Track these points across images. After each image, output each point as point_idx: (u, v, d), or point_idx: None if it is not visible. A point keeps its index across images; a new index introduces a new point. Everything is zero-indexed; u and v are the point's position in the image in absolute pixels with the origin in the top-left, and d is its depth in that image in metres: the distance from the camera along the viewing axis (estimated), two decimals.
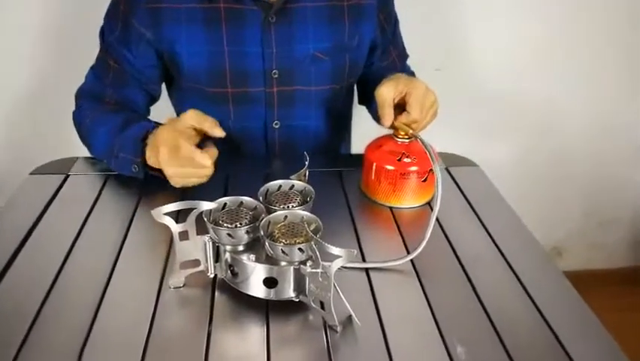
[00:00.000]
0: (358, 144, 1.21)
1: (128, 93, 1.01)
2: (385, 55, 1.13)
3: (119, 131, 0.91)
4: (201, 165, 0.81)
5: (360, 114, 1.22)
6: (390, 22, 1.10)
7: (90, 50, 1.04)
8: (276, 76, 1.00)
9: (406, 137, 0.88)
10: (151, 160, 0.87)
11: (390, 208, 0.89)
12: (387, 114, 0.87)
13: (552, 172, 1.81)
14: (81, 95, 1.04)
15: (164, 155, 0.82)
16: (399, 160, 0.86)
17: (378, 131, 0.93)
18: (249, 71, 0.99)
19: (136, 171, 0.89)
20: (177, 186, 0.85)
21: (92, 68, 1.04)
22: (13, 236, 0.78)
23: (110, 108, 1.00)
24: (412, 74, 1.16)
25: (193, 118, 0.84)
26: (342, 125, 1.19)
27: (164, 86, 1.10)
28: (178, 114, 1.15)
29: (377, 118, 1.08)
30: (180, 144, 0.81)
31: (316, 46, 0.99)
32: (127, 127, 0.91)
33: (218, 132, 0.85)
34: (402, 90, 0.87)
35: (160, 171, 0.85)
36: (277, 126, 1.05)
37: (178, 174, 0.84)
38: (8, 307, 0.66)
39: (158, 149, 0.83)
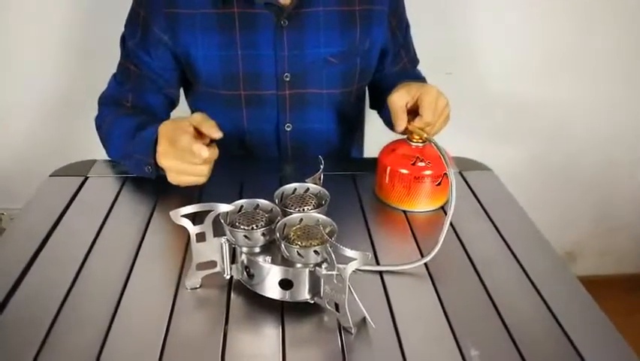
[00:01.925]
0: (371, 148, 1.22)
1: (148, 98, 1.03)
2: (397, 60, 1.14)
3: (133, 134, 0.92)
4: (198, 158, 0.80)
5: (373, 120, 1.22)
6: (401, 27, 1.11)
7: (111, 57, 1.06)
8: (288, 79, 1.01)
9: (420, 141, 0.88)
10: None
11: (404, 212, 0.89)
12: (401, 119, 0.88)
13: (562, 177, 1.81)
14: (103, 100, 1.07)
15: (161, 147, 0.84)
16: (413, 164, 0.86)
17: (391, 136, 0.94)
18: (262, 74, 1.00)
19: (149, 172, 0.90)
20: (173, 182, 0.86)
21: (114, 75, 1.06)
22: (32, 237, 0.80)
23: (128, 112, 1.01)
24: (423, 79, 1.17)
25: (195, 118, 0.82)
26: (353, 128, 1.20)
27: (182, 92, 1.12)
28: None
29: (388, 123, 1.09)
30: (178, 136, 0.81)
31: (327, 50, 1.01)
32: (141, 129, 0.92)
33: (215, 134, 0.81)
34: (414, 95, 0.88)
35: None
36: (289, 129, 1.06)
37: (174, 168, 0.84)
38: (28, 308, 0.67)
39: (160, 143, 0.84)
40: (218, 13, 0.96)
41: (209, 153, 0.80)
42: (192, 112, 1.16)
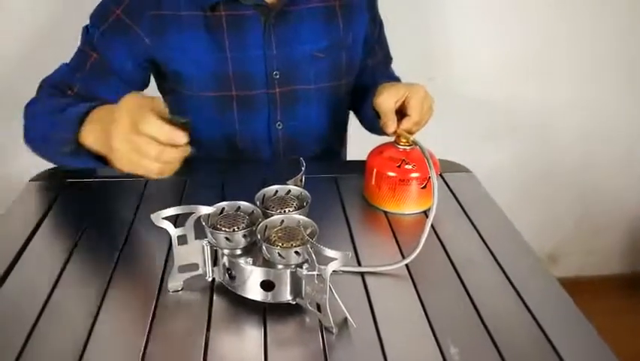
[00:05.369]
0: (354, 151, 1.23)
1: (100, 89, 0.96)
2: (372, 55, 1.17)
3: (60, 111, 0.81)
4: (172, 141, 0.65)
5: (355, 122, 1.23)
6: (375, 23, 1.15)
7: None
8: (278, 77, 1.02)
9: (407, 144, 0.89)
10: (89, 139, 0.74)
11: (386, 214, 0.90)
12: (391, 120, 0.89)
13: (545, 179, 1.83)
14: (42, 84, 0.98)
15: (123, 125, 0.66)
16: (399, 167, 0.87)
17: (373, 138, 0.94)
18: (252, 74, 1.01)
19: (68, 152, 0.77)
20: (123, 168, 0.69)
21: (66, 63, 1.00)
22: (13, 242, 0.79)
23: (66, 99, 0.91)
24: (397, 78, 1.19)
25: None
26: (341, 125, 1.21)
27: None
28: None
29: (367, 125, 1.11)
30: (147, 117, 0.64)
31: (314, 46, 1.03)
32: (70, 106, 0.80)
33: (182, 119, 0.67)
34: (403, 94, 0.89)
35: (100, 157, 0.74)
36: (280, 127, 1.07)
37: (128, 151, 0.67)
38: (9, 312, 0.67)
39: (118, 118, 0.67)
40: (205, 17, 0.96)
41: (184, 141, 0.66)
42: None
